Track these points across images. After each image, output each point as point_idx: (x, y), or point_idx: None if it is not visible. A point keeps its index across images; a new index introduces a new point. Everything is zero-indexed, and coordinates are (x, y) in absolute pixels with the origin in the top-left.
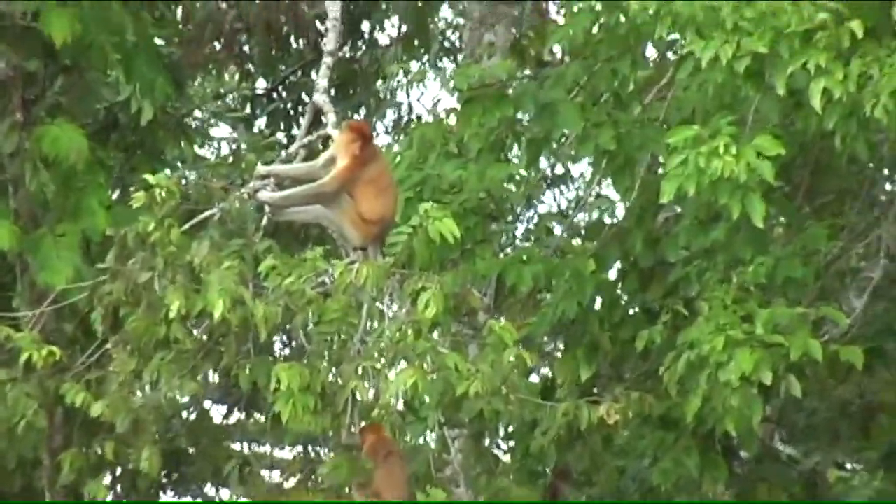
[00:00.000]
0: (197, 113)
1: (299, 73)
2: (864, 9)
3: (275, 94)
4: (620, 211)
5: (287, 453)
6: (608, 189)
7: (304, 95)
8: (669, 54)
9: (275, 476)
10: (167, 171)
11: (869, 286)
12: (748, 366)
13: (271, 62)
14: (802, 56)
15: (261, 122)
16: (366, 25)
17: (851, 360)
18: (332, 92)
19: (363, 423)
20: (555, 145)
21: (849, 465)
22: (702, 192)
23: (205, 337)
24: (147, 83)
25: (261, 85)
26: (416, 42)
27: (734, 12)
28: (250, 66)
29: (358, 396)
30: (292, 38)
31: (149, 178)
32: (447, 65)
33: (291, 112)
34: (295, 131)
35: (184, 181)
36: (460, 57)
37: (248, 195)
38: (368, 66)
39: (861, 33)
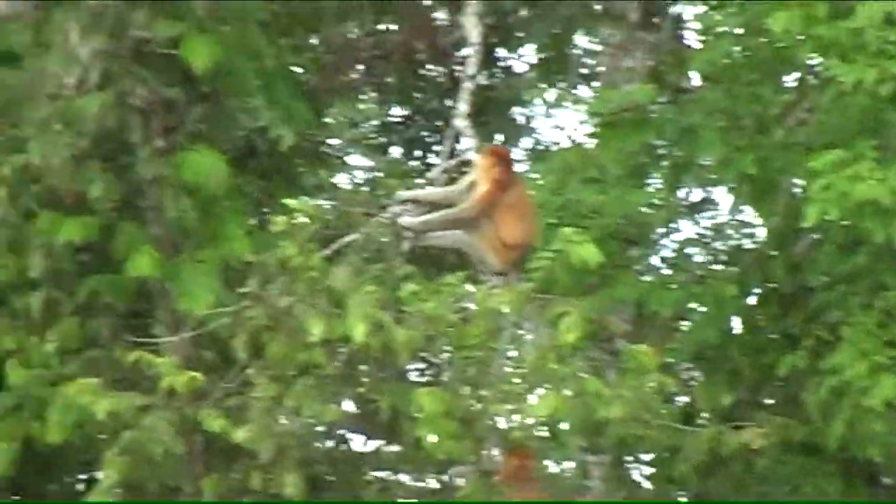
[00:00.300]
0: (333, 141)
1: (436, 100)
2: None
3: (410, 122)
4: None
5: (426, 482)
6: (745, 215)
7: (439, 122)
8: (810, 77)
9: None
10: (305, 198)
11: None
12: (892, 391)
13: (407, 89)
14: None
15: (396, 150)
16: (501, 52)
17: None
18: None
19: (503, 449)
20: (696, 170)
21: None
22: (844, 216)
23: (345, 362)
24: (286, 109)
25: (396, 112)
26: (553, 68)
27: (878, 36)
28: (386, 93)
29: (499, 422)
30: (429, 66)
31: (289, 202)
32: (584, 91)
33: (427, 139)
34: (431, 159)
35: (323, 207)
36: (596, 83)
37: (389, 220)
38: (505, 92)
39: None
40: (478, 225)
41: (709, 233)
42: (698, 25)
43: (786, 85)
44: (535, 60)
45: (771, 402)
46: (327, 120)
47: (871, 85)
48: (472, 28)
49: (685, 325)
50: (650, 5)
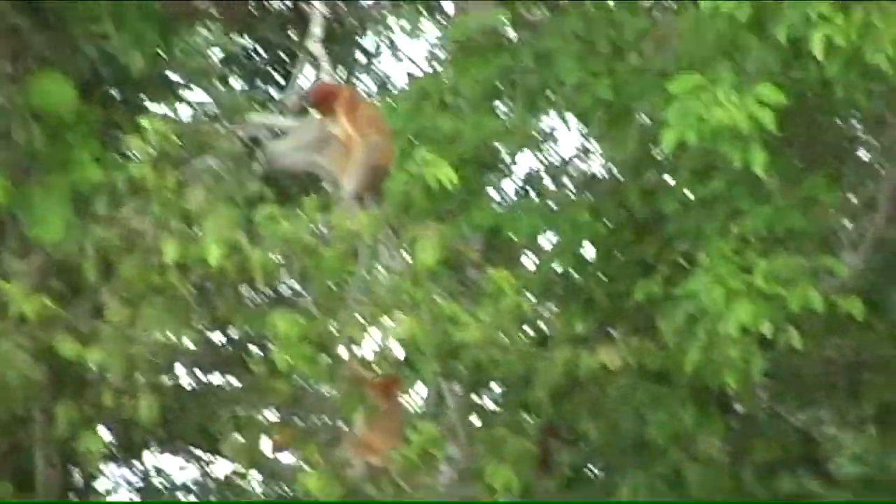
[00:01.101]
0: (178, 70)
1: (278, 32)
2: None
3: (253, 54)
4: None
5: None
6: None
7: (282, 54)
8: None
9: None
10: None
11: (865, 240)
12: (748, 317)
13: (251, 20)
14: (804, 3)
15: (237, 83)
16: None
17: (851, 311)
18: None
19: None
20: (552, 96)
21: (833, 424)
22: (702, 142)
23: (200, 285)
24: (136, 34)
25: (239, 43)
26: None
27: None
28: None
29: (355, 347)
30: None
31: (144, 122)
32: (427, 24)
33: (268, 72)
34: (272, 91)
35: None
36: (442, 14)
37: (245, 142)
38: (351, 23)
39: None
40: (333, 148)
41: (560, 160)
42: None
43: (642, 9)
44: None
45: (626, 330)
46: (174, 49)
47: (728, 9)
48: None
49: (532, 254)
50: None
